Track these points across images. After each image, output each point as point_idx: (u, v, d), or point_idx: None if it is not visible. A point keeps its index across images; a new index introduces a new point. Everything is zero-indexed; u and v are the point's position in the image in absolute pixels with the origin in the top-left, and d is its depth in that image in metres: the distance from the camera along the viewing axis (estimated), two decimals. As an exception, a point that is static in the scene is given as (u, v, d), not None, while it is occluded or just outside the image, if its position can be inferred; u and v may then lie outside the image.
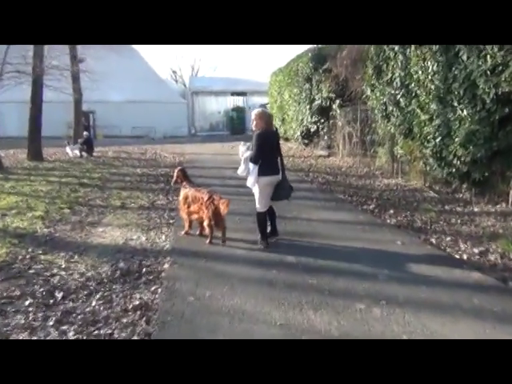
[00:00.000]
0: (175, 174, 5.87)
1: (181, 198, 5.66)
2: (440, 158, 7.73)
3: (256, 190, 5.05)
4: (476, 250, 4.82)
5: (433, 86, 7.55)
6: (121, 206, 7.59)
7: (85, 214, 7.06)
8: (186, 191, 5.60)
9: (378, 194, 8.42)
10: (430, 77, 7.61)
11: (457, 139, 6.97)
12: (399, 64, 8.71)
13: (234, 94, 37.18)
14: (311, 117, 16.17)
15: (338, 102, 14.30)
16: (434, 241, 5.25)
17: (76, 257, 4.91)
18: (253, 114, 5.17)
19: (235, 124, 34.28)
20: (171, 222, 6.39)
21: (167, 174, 11.31)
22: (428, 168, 9.20)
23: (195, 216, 5.44)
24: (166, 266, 4.47)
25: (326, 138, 16.30)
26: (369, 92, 10.45)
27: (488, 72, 6.17)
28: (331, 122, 15.45)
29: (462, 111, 6.82)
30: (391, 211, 6.88)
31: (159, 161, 14.95)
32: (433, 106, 7.61)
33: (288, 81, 18.74)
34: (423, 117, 7.93)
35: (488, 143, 6.50)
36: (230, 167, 12.38)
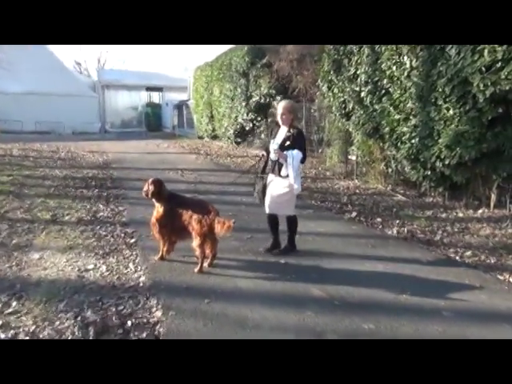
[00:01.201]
0: (150, 188, 4.42)
1: (155, 215, 4.38)
2: (415, 160, 7.24)
3: (293, 194, 4.50)
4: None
5: (409, 83, 7.02)
6: (52, 220, 6.02)
7: (6, 232, 5.41)
8: (163, 208, 4.33)
9: (347, 199, 7.76)
10: (406, 73, 7.08)
11: (441, 140, 6.48)
12: (365, 59, 8.12)
13: (149, 89, 35.09)
14: (247, 114, 15.28)
15: (278, 98, 13.55)
16: (456, 257, 4.59)
17: (14, 303, 3.45)
18: (280, 107, 4.47)
19: (151, 121, 32.27)
20: (131, 241, 5.06)
21: (96, 177, 9.67)
22: (391, 170, 8.81)
23: (177, 235, 4.31)
24: (158, 313, 3.22)
25: (262, 136, 15.51)
26: (325, 89, 9.77)
27: (483, 69, 5.72)
28: (270, 120, 14.69)
29: (448, 110, 6.34)
30: (378, 219, 6.20)
31: (79, 161, 13.02)
32: (409, 105, 7.09)
33: (219, 75, 17.65)
34: (397, 116, 7.39)
35: (478, 145, 6.08)
36: (169, 168, 11.08)
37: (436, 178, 7.05)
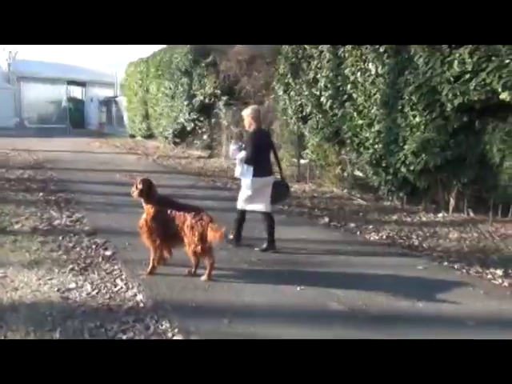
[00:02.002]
0: (139, 187, 4.16)
1: (145, 217, 4.05)
2: (377, 165, 7.41)
3: (246, 190, 4.85)
4: (499, 272, 4.39)
5: (374, 90, 7.17)
6: (1, 230, 5.28)
7: None
8: (154, 210, 4.01)
9: (310, 203, 7.74)
10: (371, 80, 7.21)
11: (407, 146, 6.68)
12: (326, 64, 8.16)
13: (70, 83, 32.90)
14: (189, 114, 14.80)
15: (224, 99, 13.30)
16: (445, 262, 4.68)
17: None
18: (244, 113, 5.00)
19: (75, 117, 30.27)
20: (107, 253, 4.55)
21: (35, 179, 8.76)
22: (346, 174, 8.97)
23: (168, 242, 4.02)
24: (179, 339, 2.87)
25: (205, 137, 15.13)
26: (280, 92, 9.71)
27: (451, 79, 5.96)
28: (213, 120, 14.38)
29: (415, 118, 6.55)
30: (352, 224, 6.22)
31: (5, 160, 11.75)
32: (373, 111, 7.23)
33: (156, 73, 16.93)
34: (360, 121, 7.51)
35: (443, 152, 6.34)
36: (113, 169, 10.36)
37: (398, 183, 7.26)
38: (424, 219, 6.75)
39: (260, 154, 4.74)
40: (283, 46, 9.44)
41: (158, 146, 17.37)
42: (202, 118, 14.70)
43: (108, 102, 25.81)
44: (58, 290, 3.61)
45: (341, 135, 8.22)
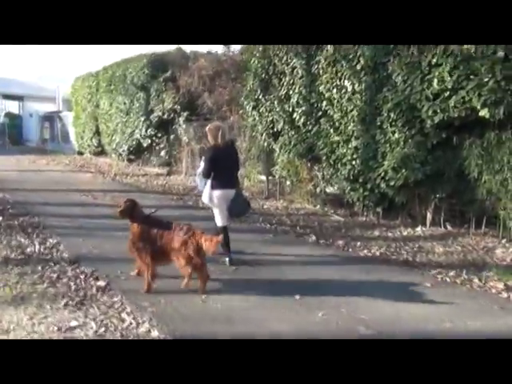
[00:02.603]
0: (123, 206, 4.18)
1: (131, 239, 4.12)
2: (354, 181, 7.47)
3: (212, 205, 5.08)
4: (500, 286, 4.48)
5: (351, 107, 7.25)
6: (-36, 261, 4.70)
7: None
8: (140, 228, 4.07)
9: (289, 220, 7.65)
10: (347, 96, 7.29)
11: (386, 162, 6.78)
12: (299, 81, 8.19)
13: (6, 97, 31.06)
14: (146, 130, 14.35)
15: (184, 115, 13.01)
16: (447, 278, 4.71)
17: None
18: (206, 129, 5.23)
19: (12, 133, 28.43)
20: (101, 284, 4.14)
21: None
22: (319, 190, 8.99)
23: (158, 260, 4.05)
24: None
25: (162, 154, 14.69)
26: (249, 108, 9.61)
27: (431, 96, 6.14)
28: (172, 136, 14.02)
29: (394, 134, 6.67)
30: (340, 241, 6.17)
31: None
32: (350, 127, 7.30)
33: (108, 87, 16.34)
34: (337, 137, 7.56)
35: (423, 167, 6.49)
36: (71, 189, 9.73)
37: (375, 198, 7.34)
38: (405, 233, 6.84)
39: (217, 168, 4.93)
40: (252, 62, 9.38)
41: (110, 164, 16.63)
42: (159, 134, 14.29)
43: (51, 118, 24.49)
44: (58, 330, 3.20)
45: (315, 151, 8.22)
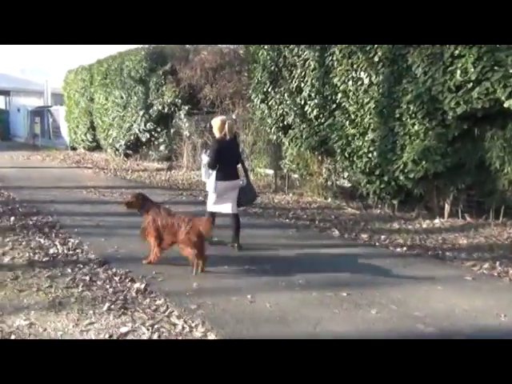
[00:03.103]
0: (132, 199, 4.85)
1: (143, 226, 4.69)
2: (370, 174, 7.40)
3: (211, 194, 5.29)
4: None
5: (367, 99, 7.16)
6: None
7: None
8: (150, 218, 4.61)
9: (304, 214, 7.56)
10: (363, 88, 7.20)
11: (406, 155, 6.72)
12: (311, 73, 8.07)
13: (-8, 92, 30.45)
14: (145, 124, 14.09)
15: (185, 109, 12.81)
16: (491, 271, 4.66)
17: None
18: (212, 122, 5.51)
19: (0, 129, 27.85)
20: (140, 286, 3.99)
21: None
22: (330, 183, 8.94)
23: (166, 246, 4.65)
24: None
25: (162, 148, 14.49)
26: (257, 101, 9.46)
27: (453, 88, 6.08)
28: (172, 130, 13.81)
29: (413, 126, 6.61)
30: (364, 235, 6.12)
31: None
32: (367, 120, 7.22)
33: (104, 81, 16.00)
34: (352, 130, 7.48)
35: (443, 159, 6.45)
36: (76, 186, 9.52)
37: (393, 191, 7.29)
38: (424, 226, 6.81)
39: (222, 160, 5.14)
40: (260, 54, 9.23)
41: (106, 159, 16.37)
42: (159, 129, 14.07)
43: (41, 113, 23.97)
44: (111, 337, 3.07)
45: (328, 144, 8.14)
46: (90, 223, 6.33)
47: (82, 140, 18.81)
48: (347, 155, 7.71)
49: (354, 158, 7.57)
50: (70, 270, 4.37)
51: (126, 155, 15.97)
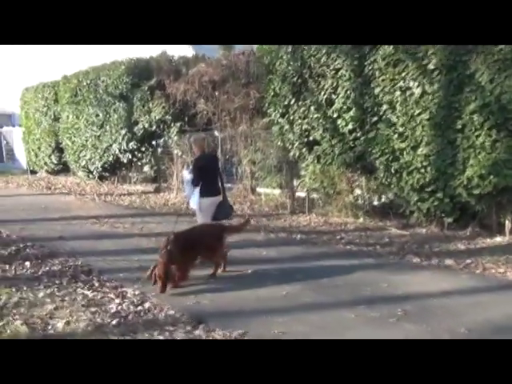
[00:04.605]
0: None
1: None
2: (421, 190, 6.84)
3: (198, 211, 5.45)
4: None
5: (418, 110, 6.63)
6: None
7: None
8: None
9: (354, 237, 6.87)
10: (413, 99, 6.66)
11: (470, 169, 6.21)
12: (345, 83, 7.45)
13: None
14: (127, 144, 12.86)
15: (177, 125, 11.79)
16: None
17: None
18: (191, 141, 6.03)
19: None
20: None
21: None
22: (362, 201, 8.33)
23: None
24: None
25: (146, 169, 13.30)
26: (275, 115, 8.70)
27: (528, 96, 5.67)
28: (160, 150, 12.71)
29: (477, 138, 6.13)
30: (448, 261, 5.48)
31: None
32: (418, 133, 6.67)
33: (73, 98, 14.57)
34: (402, 144, 6.89)
35: (514, 172, 6.00)
36: (69, 216, 8.28)
37: (449, 208, 6.76)
38: (491, 245, 6.31)
39: (204, 176, 5.30)
40: (278, 65, 8.52)
41: (77, 183, 14.89)
42: (143, 148, 12.88)
43: (-10, 134, 21.76)
44: None
45: (367, 160, 7.52)
46: (129, 264, 5.23)
47: (45, 163, 17.07)
48: (394, 171, 7.11)
49: (404, 174, 6.98)
50: (162, 338, 3.33)
51: (101, 178, 14.57)
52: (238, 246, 5.61)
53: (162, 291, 4.16)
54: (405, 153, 6.90)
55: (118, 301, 4.04)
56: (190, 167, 5.85)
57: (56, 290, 4.37)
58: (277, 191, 10.07)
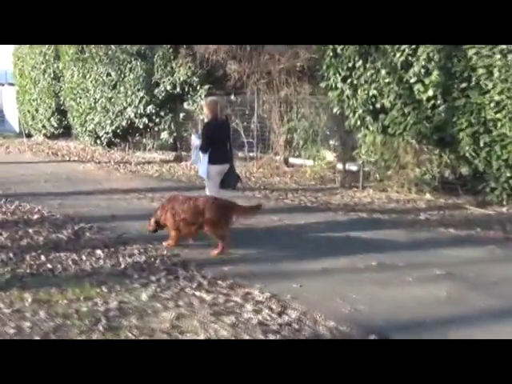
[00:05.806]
0: None
1: None
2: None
3: (207, 179, 5.22)
4: None
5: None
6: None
7: None
8: None
9: (432, 217, 6.21)
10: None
11: None
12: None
13: None
14: (144, 108, 11.74)
15: (205, 88, 10.73)
16: None
17: None
18: (203, 103, 5.77)
19: None
20: None
21: (32, 222, 5.43)
22: (431, 177, 7.61)
23: None
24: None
25: (164, 136, 12.23)
26: (337, 79, 7.79)
27: None
28: (182, 115, 11.64)
29: None
30: None
31: None
32: (518, 104, 5.94)
33: (79, 55, 13.25)
34: (497, 115, 6.15)
35: None
36: (103, 190, 7.35)
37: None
38: None
39: (214, 143, 5.00)
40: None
41: (84, 148, 13.77)
42: (162, 113, 11.80)
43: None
44: None
45: (446, 131, 6.77)
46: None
47: (44, 126, 15.76)
48: (483, 144, 6.40)
49: (496, 148, 6.28)
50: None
51: (109, 144, 13.45)
52: (336, 229, 4.85)
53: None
54: (499, 124, 6.18)
55: (249, 307, 3.26)
56: (199, 132, 5.64)
57: (158, 290, 3.55)
58: (318, 163, 9.29)
